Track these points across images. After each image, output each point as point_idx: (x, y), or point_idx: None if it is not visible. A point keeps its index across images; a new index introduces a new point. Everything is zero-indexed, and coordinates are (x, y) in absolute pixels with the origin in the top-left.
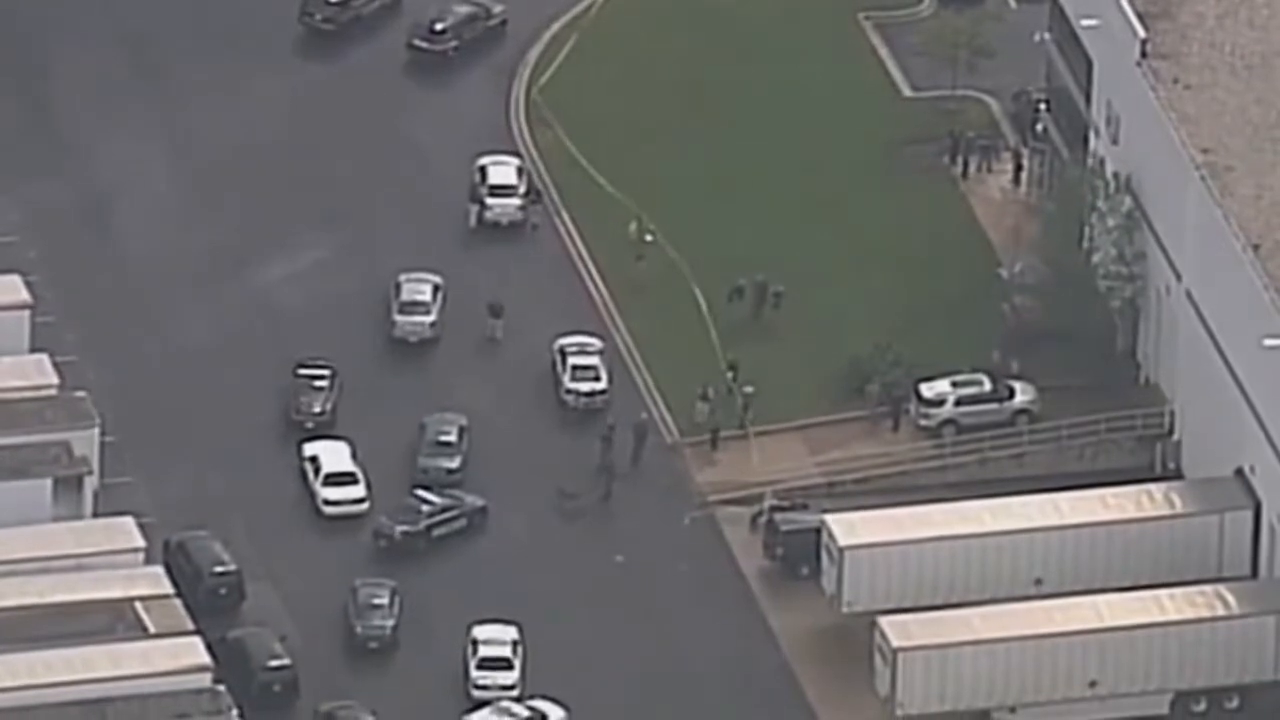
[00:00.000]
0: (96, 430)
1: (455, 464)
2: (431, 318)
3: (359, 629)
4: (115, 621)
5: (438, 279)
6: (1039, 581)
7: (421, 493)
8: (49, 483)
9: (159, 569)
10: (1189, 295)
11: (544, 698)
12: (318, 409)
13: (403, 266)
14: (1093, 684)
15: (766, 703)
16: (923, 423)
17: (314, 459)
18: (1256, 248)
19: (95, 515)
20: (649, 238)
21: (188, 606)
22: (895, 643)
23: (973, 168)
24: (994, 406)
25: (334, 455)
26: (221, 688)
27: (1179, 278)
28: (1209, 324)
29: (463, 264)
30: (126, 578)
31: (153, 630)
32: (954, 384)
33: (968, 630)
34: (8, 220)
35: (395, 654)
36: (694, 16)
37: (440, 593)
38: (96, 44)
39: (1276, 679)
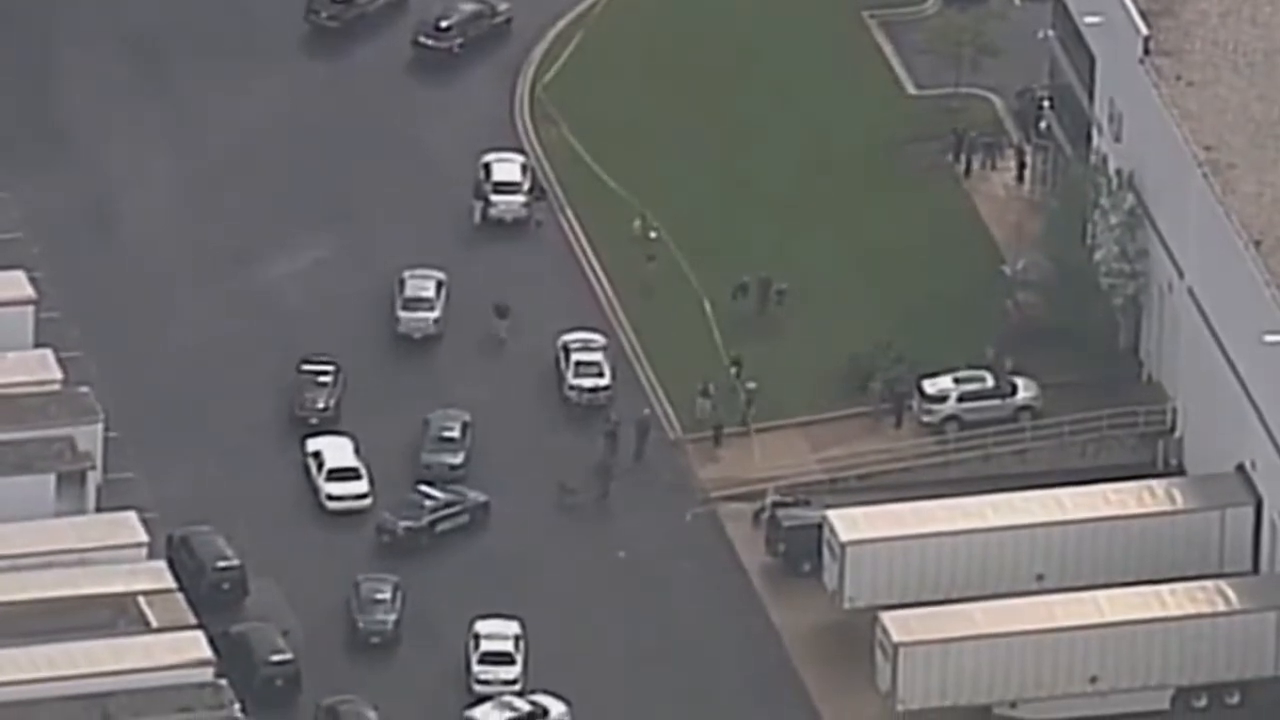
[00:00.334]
0: (100, 425)
1: (458, 460)
2: (435, 314)
3: (361, 624)
4: (118, 616)
5: (442, 275)
6: (1040, 577)
7: (424, 488)
8: (52, 478)
9: (162, 564)
10: (1191, 292)
11: (545, 692)
12: (321, 404)
13: (407, 263)
14: (1094, 679)
15: (768, 698)
16: (925, 419)
17: (317, 454)
18: (1258, 244)
19: (98, 510)
20: (653, 235)
21: (190, 601)
22: (896, 638)
23: (976, 165)
24: (996, 403)
25: (337, 451)
26: (224, 682)
27: (1181, 274)
28: (1211, 320)
29: (467, 261)
30: (129, 572)
31: (155, 625)
32: (956, 380)
33: (969, 625)
34: (12, 216)
35: (397, 649)
36: (698, 14)
37: (443, 588)
38: (100, 40)
39: (1277, 675)
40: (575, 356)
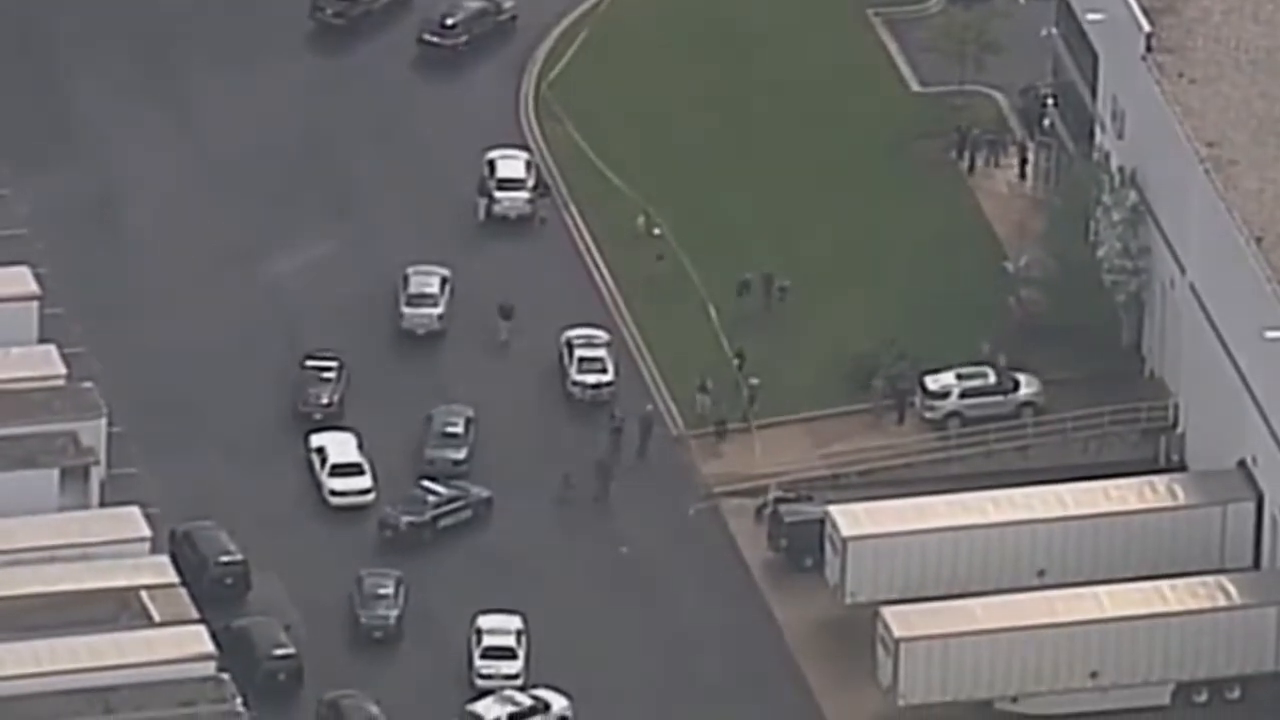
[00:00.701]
0: (103, 421)
1: (462, 455)
2: (439, 310)
3: (364, 619)
4: (121, 610)
5: (446, 272)
6: (1042, 572)
7: (428, 483)
8: (56, 473)
9: (164, 558)
10: (1193, 288)
11: (548, 687)
12: (325, 400)
13: (411, 259)
14: (1094, 674)
15: (770, 693)
16: (927, 415)
17: (321, 450)
18: (1260, 241)
19: (101, 505)
20: (656, 231)
21: (193, 596)
22: (897, 633)
23: (980, 162)
24: (999, 399)
25: (341, 446)
26: (226, 676)
27: (1183, 271)
28: (1212, 317)
29: (471, 257)
30: (132, 567)
31: (158, 619)
32: (959, 376)
33: (970, 621)
34: (17, 212)
35: (400, 644)
36: (703, 11)
37: (445, 583)
38: (106, 37)
39: (1278, 670)
40: (579, 352)
